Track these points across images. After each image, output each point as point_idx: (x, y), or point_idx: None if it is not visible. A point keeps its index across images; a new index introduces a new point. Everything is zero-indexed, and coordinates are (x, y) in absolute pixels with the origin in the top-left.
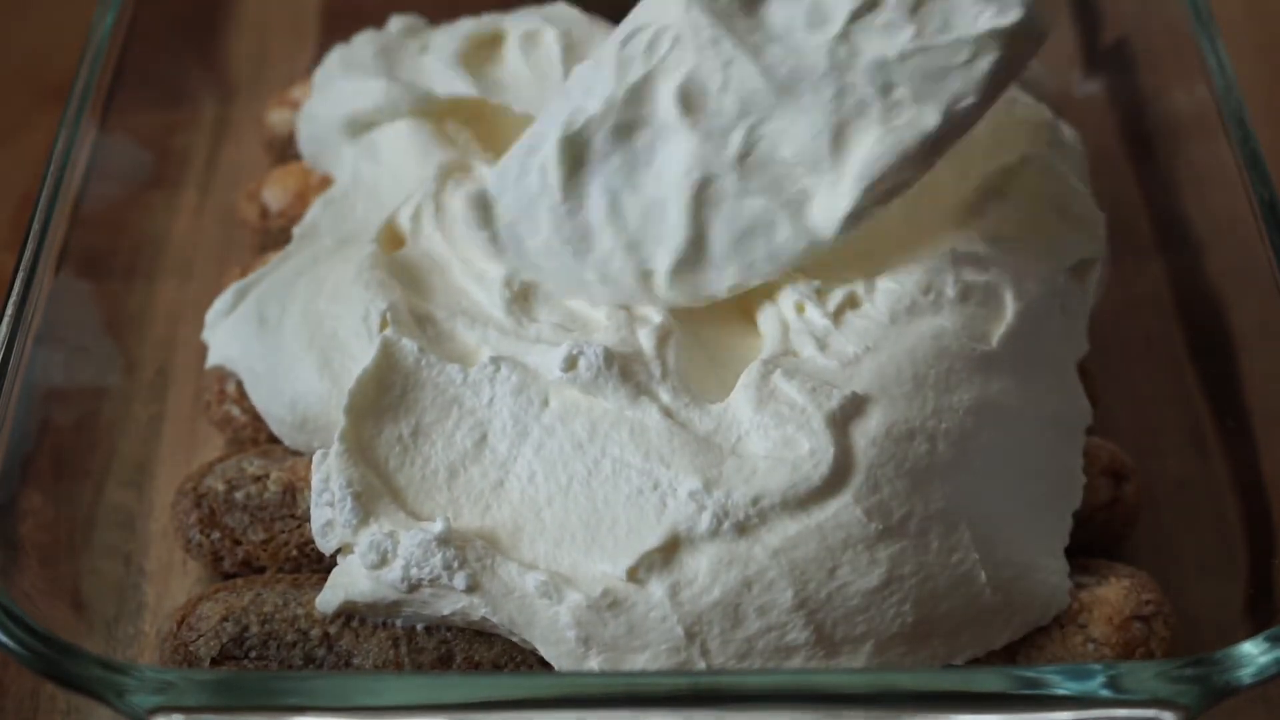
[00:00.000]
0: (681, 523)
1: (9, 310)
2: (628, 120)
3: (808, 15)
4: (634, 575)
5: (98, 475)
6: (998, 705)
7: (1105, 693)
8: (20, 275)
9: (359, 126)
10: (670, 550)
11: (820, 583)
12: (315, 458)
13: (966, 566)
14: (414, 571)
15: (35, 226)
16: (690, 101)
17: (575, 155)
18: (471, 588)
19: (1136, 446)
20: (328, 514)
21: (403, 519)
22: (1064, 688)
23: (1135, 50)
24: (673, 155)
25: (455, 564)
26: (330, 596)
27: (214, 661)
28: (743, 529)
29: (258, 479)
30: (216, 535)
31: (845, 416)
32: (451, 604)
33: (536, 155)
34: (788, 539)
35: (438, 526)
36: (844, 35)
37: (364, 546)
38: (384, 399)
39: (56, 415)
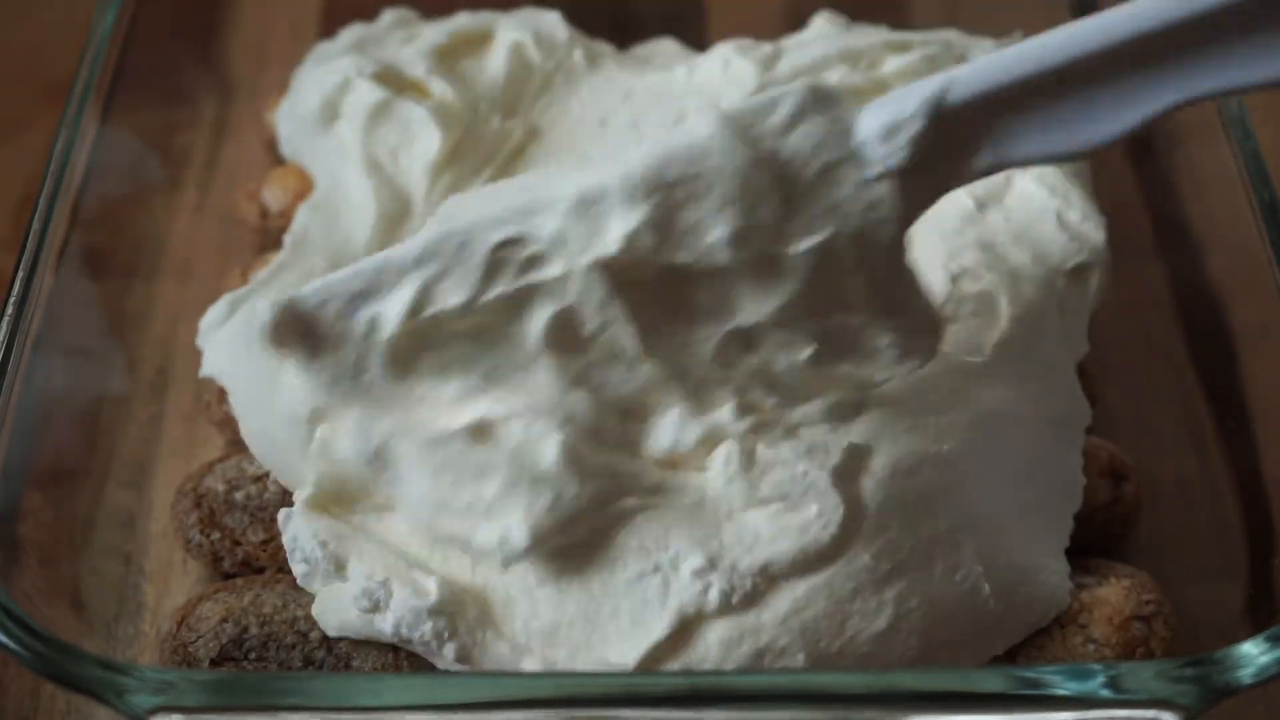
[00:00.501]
0: (689, 605)
1: (9, 310)
2: (486, 326)
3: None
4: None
5: (98, 475)
6: (998, 705)
7: (1105, 693)
8: (20, 275)
9: (330, 113)
10: (680, 636)
11: (832, 638)
12: (280, 517)
13: (970, 581)
14: (404, 631)
15: (35, 226)
16: (560, 336)
17: (417, 341)
18: (462, 659)
19: (1136, 446)
20: (304, 567)
21: (389, 558)
22: (1064, 688)
23: None
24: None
25: (446, 634)
26: (327, 619)
27: (213, 662)
28: (751, 599)
29: (258, 479)
30: (216, 535)
31: (851, 470)
32: (444, 663)
33: (370, 306)
34: (796, 600)
35: (431, 597)
36: (740, 338)
37: (356, 590)
38: (347, 488)
39: (56, 415)
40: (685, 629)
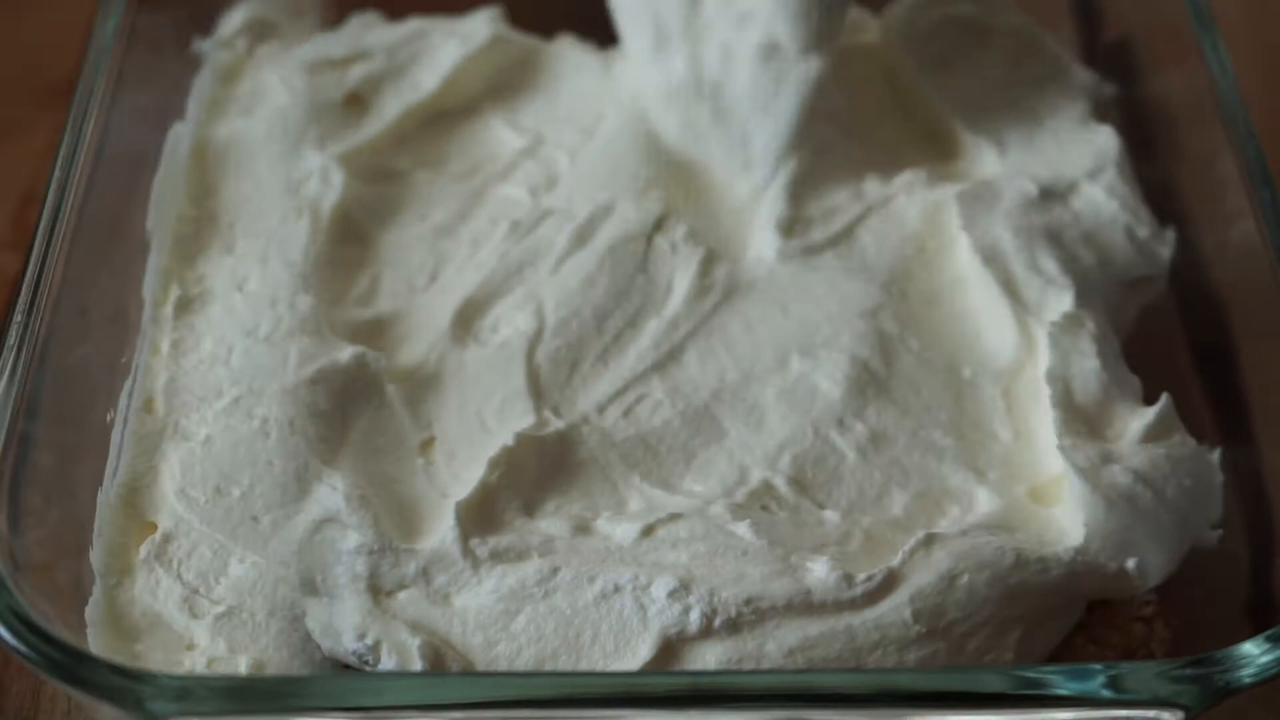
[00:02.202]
0: (671, 626)
1: (10, 310)
2: None
3: None
4: None
5: (98, 476)
6: (998, 705)
7: (1106, 693)
8: (26, 277)
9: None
10: (666, 659)
11: None
12: None
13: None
14: None
15: (40, 226)
16: None
17: None
18: None
19: None
20: None
21: (367, 604)
22: (1065, 688)
23: (1135, 50)
24: None
25: None
26: (321, 641)
27: None
28: (736, 626)
29: None
30: None
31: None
32: None
33: None
34: (807, 638)
35: (415, 670)
36: None
37: (345, 649)
38: None
39: (57, 415)
40: (670, 650)
